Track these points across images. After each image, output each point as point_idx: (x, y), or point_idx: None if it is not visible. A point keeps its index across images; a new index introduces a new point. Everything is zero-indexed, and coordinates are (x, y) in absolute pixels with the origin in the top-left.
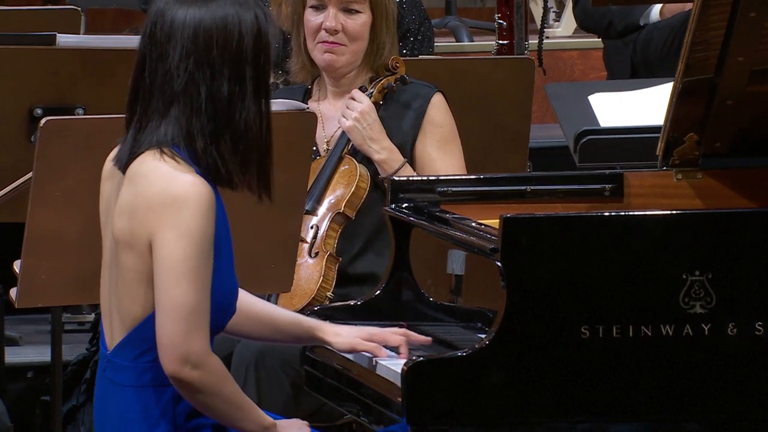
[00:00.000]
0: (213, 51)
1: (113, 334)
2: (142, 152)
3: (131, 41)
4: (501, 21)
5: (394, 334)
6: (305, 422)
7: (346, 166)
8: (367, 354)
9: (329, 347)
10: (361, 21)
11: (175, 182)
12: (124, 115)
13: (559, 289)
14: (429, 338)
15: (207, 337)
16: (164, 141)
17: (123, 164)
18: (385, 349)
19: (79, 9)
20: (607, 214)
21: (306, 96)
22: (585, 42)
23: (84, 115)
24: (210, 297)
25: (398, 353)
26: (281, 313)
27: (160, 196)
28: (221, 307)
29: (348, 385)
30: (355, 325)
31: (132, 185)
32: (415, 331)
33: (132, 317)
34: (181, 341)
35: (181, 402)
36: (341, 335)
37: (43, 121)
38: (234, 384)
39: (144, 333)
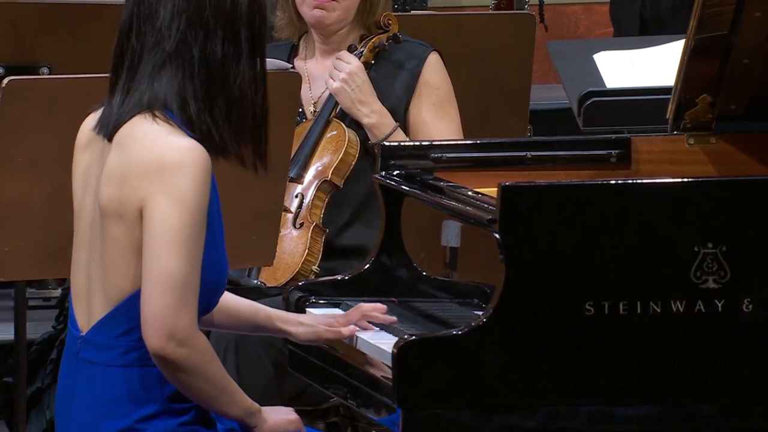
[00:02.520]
0: (206, 9)
1: (91, 313)
2: (132, 117)
3: None
4: None
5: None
6: (291, 408)
7: (334, 131)
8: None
9: (291, 338)
10: None
11: (171, 146)
12: (92, 75)
13: (562, 263)
14: (393, 318)
15: (195, 313)
16: (155, 104)
17: (109, 131)
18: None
19: None
20: (613, 182)
21: (292, 53)
22: None
23: (49, 74)
24: (201, 271)
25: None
26: (242, 303)
27: (155, 161)
28: (211, 284)
29: (334, 365)
30: (343, 302)
31: (123, 150)
32: (406, 308)
33: (119, 291)
34: (167, 315)
35: (168, 382)
36: (303, 324)
37: (5, 81)
38: (220, 365)
39: (131, 308)
